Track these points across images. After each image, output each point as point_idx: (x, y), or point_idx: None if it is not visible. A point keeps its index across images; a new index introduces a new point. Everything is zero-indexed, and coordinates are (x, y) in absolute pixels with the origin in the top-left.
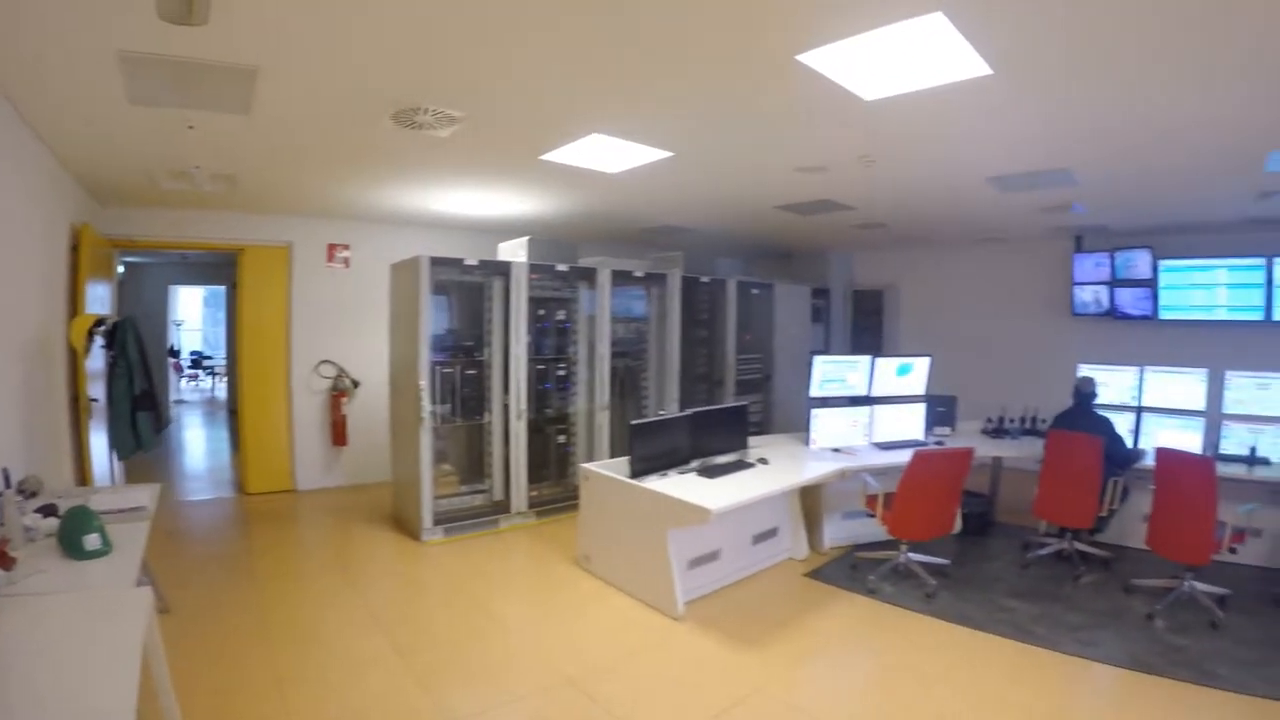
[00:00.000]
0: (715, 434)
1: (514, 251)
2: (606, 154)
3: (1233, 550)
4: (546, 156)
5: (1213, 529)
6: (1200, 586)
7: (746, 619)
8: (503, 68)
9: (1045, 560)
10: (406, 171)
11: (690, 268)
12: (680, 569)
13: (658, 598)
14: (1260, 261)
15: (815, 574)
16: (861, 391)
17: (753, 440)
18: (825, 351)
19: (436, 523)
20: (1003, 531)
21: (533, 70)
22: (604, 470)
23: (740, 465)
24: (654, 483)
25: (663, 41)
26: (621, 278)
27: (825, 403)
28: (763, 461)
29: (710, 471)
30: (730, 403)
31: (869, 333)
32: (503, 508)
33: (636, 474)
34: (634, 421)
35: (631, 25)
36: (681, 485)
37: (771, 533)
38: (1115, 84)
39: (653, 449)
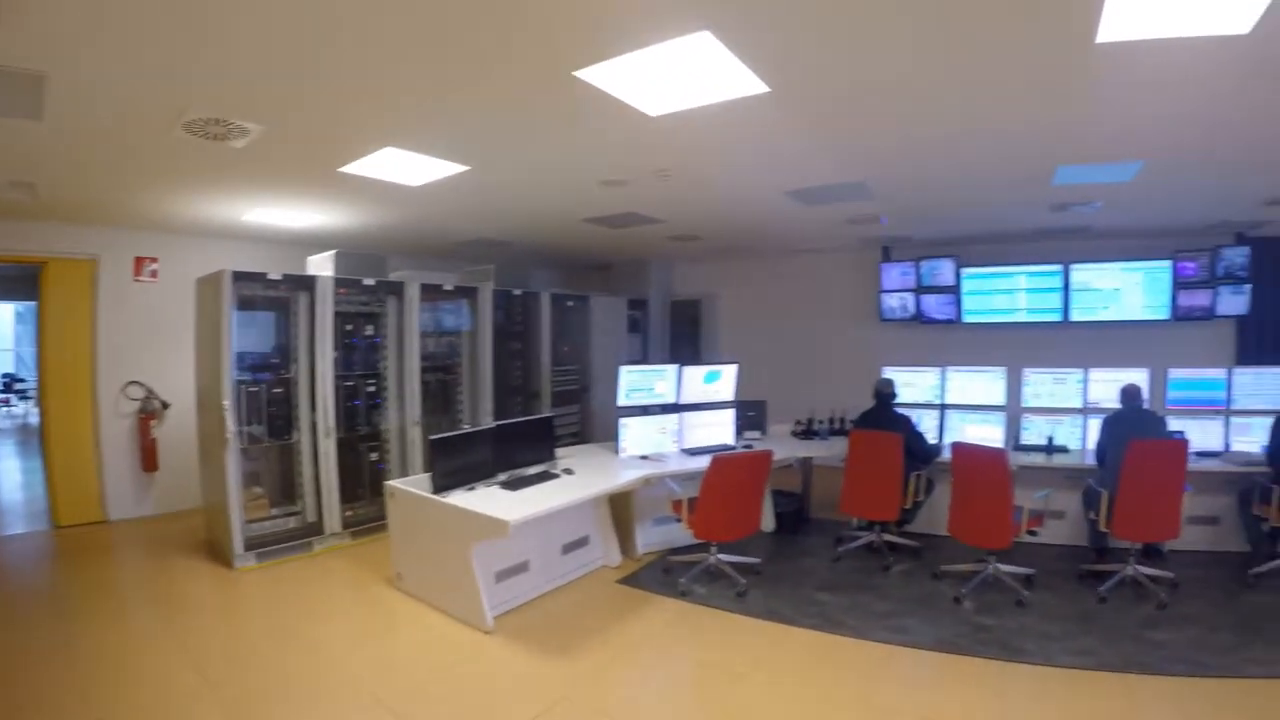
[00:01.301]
0: (522, 446)
1: (321, 265)
2: (404, 167)
3: (1032, 533)
4: (345, 169)
5: (1010, 514)
6: (1004, 568)
7: (557, 629)
8: (290, 81)
9: (856, 553)
10: (207, 182)
11: (506, 280)
12: (487, 583)
13: (467, 613)
14: (1058, 268)
15: (628, 580)
16: (671, 399)
17: (564, 450)
18: (644, 361)
19: (248, 548)
20: (816, 528)
21: (320, 85)
22: (409, 487)
23: (546, 476)
24: (458, 497)
25: (444, 58)
26: (432, 291)
27: (645, 411)
28: (568, 472)
29: (514, 484)
30: (546, 414)
31: (687, 341)
32: (316, 529)
33: (439, 489)
34: (434, 436)
35: (413, 41)
36: (484, 499)
37: (582, 541)
38: (893, 102)
39: (456, 463)
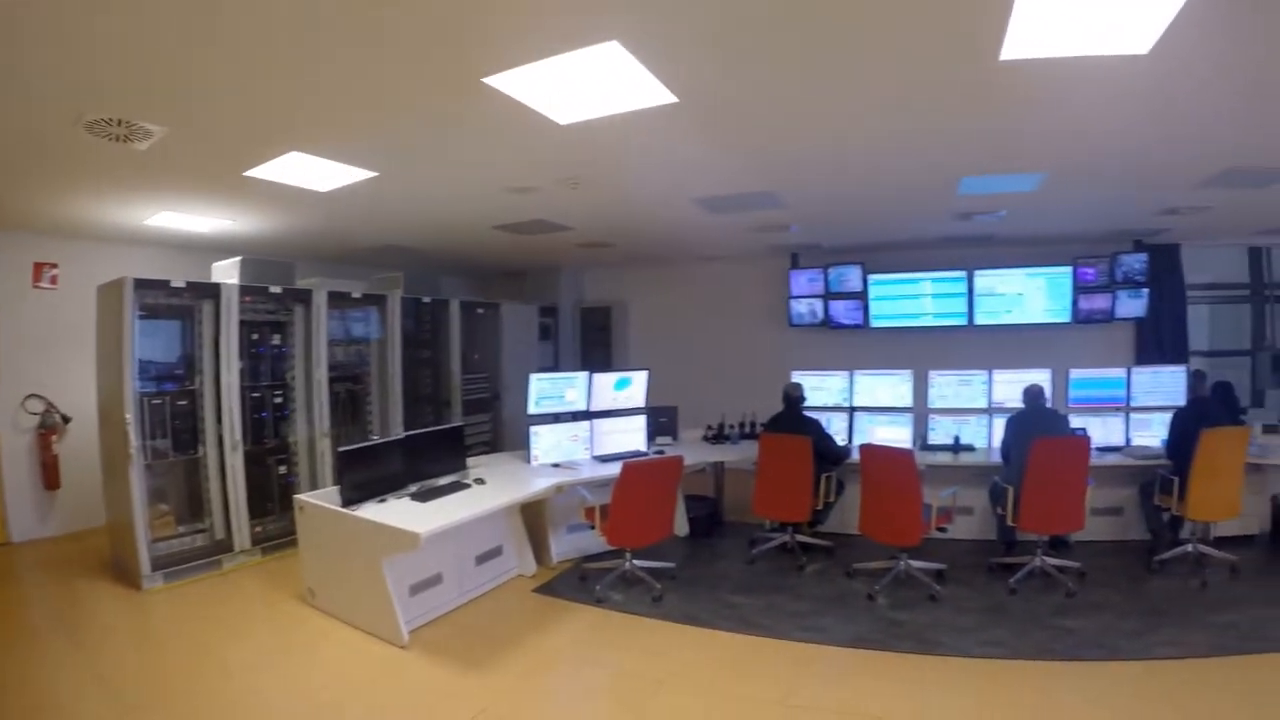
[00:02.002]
0: (432, 456)
1: (226, 272)
2: (311, 172)
3: (942, 530)
4: (251, 173)
5: (919, 512)
6: (916, 564)
7: (474, 640)
8: (193, 83)
9: (770, 554)
10: (111, 184)
11: (416, 288)
12: (401, 597)
13: (381, 628)
14: (962, 274)
15: (544, 589)
16: (582, 407)
17: (476, 460)
18: (555, 368)
19: (156, 568)
20: (731, 531)
21: (224, 87)
22: (318, 500)
23: (457, 486)
24: (368, 510)
25: (350, 61)
26: (340, 299)
27: (556, 418)
28: (479, 481)
29: (425, 495)
30: (457, 423)
31: (599, 348)
32: (225, 547)
33: (349, 502)
34: (341, 449)
35: (318, 45)
36: (395, 511)
37: (496, 552)
38: (800, 114)
39: (366, 475)
